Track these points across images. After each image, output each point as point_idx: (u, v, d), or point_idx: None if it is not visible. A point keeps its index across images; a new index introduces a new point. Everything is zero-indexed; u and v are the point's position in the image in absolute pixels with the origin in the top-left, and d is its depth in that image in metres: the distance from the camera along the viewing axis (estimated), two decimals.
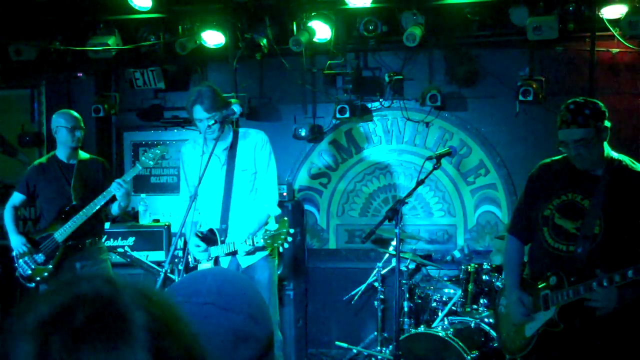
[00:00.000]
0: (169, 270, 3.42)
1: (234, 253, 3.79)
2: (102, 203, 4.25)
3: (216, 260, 3.87)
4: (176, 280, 3.81)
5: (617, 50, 5.30)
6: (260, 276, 3.87)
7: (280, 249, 3.64)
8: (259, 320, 1.10)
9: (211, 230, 3.87)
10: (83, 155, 4.54)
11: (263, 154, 3.91)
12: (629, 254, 2.70)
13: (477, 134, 5.78)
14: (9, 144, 6.45)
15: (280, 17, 5.41)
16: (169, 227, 5.64)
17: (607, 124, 2.83)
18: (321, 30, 5.26)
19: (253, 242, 3.64)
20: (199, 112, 3.72)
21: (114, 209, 4.44)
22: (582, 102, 2.86)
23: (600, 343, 2.82)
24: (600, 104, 2.88)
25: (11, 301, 5.74)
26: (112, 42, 5.37)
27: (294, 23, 5.30)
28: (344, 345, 5.17)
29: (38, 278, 4.30)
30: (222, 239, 3.83)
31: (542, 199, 3.00)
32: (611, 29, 4.90)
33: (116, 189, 4.17)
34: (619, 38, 4.97)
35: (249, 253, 3.72)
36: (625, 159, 2.91)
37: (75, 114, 4.48)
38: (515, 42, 5.43)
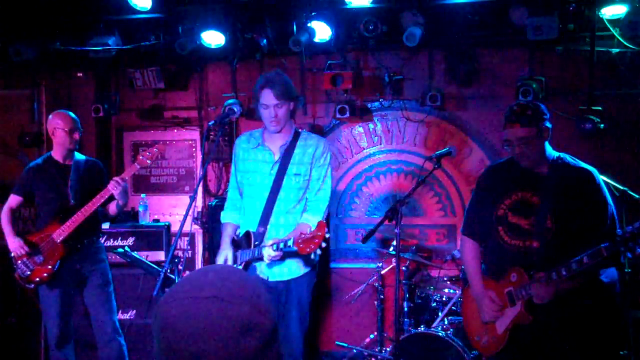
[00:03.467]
0: (169, 270, 3.42)
1: (260, 259, 3.44)
2: (100, 202, 4.22)
3: (246, 266, 3.55)
4: (176, 280, 3.79)
5: (617, 50, 5.29)
6: (296, 295, 3.56)
7: (312, 255, 3.29)
8: (262, 310, 1.11)
9: (247, 234, 3.56)
10: (79, 156, 4.52)
11: (323, 163, 3.59)
12: (582, 244, 2.87)
13: (477, 134, 5.78)
14: (8, 144, 6.45)
15: (280, 17, 5.41)
16: (169, 227, 5.64)
17: (548, 124, 3.05)
18: (321, 30, 5.25)
19: (280, 247, 3.28)
20: (267, 96, 3.44)
21: (112, 208, 4.43)
22: (525, 104, 3.13)
23: (567, 333, 2.98)
24: (542, 105, 3.10)
25: (11, 301, 5.74)
26: (112, 42, 5.37)
27: (294, 23, 5.30)
28: (344, 345, 5.17)
29: (37, 279, 4.28)
30: (257, 242, 3.49)
31: (493, 200, 3.18)
32: (611, 29, 4.90)
33: (114, 187, 4.14)
34: (619, 38, 4.97)
35: (273, 259, 3.35)
36: (566, 157, 3.13)
37: (73, 115, 4.46)
38: (515, 42, 5.43)
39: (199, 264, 6.11)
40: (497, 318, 3.12)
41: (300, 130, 3.69)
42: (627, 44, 5.07)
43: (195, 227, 5.94)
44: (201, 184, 5.84)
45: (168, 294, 1.14)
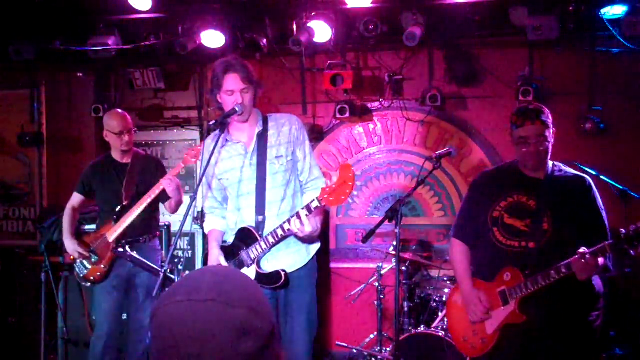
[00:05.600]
0: (168, 270, 3.41)
1: (278, 240, 3.21)
2: (148, 201, 4.19)
3: (259, 261, 3.31)
4: (176, 280, 3.78)
5: (617, 50, 5.30)
6: (298, 289, 3.36)
7: (350, 200, 3.09)
8: (260, 313, 1.10)
9: (243, 230, 3.34)
10: (138, 154, 4.50)
11: (303, 139, 3.40)
12: (577, 246, 2.91)
13: (477, 134, 5.78)
14: (8, 144, 6.45)
15: (280, 17, 5.41)
16: (169, 227, 5.64)
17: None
18: (321, 30, 5.25)
19: (309, 210, 3.04)
20: (233, 81, 3.21)
21: (170, 207, 4.39)
22: (539, 105, 3.17)
23: (557, 333, 3.00)
24: None
25: (11, 301, 5.75)
26: (112, 42, 5.37)
27: (294, 23, 5.30)
28: (344, 345, 5.17)
29: (92, 278, 4.32)
30: (260, 232, 3.28)
31: (488, 203, 3.21)
32: (611, 29, 4.90)
33: (168, 184, 4.12)
34: (619, 38, 4.97)
35: (305, 229, 3.09)
36: (560, 164, 3.22)
37: (123, 116, 4.42)
38: (515, 42, 5.43)
39: (199, 264, 6.11)
40: (484, 320, 3.14)
41: (267, 115, 3.46)
42: (627, 44, 5.07)
43: (195, 227, 5.93)
44: (201, 184, 5.83)
45: (165, 295, 1.13)
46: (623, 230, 2.79)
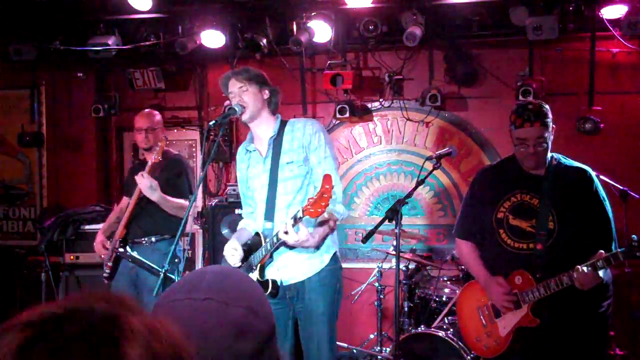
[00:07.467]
0: (169, 270, 3.41)
1: (277, 247, 3.13)
2: (136, 200, 4.21)
3: (262, 269, 3.24)
4: (176, 280, 3.77)
5: (617, 50, 5.30)
6: (321, 298, 3.24)
7: (325, 214, 2.93)
8: (259, 313, 1.10)
9: (255, 236, 3.31)
10: (165, 155, 4.36)
11: (318, 144, 3.26)
12: (584, 245, 2.91)
13: (477, 134, 5.78)
14: (8, 144, 6.45)
15: (280, 17, 5.41)
16: None
17: (553, 124, 3.08)
18: (321, 30, 5.26)
19: (294, 217, 2.90)
20: (231, 85, 3.31)
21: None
22: (539, 104, 3.09)
23: (570, 334, 2.99)
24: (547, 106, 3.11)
25: (11, 301, 5.75)
26: (112, 42, 5.37)
27: (294, 23, 5.30)
28: (344, 345, 5.17)
29: (105, 275, 4.41)
30: (267, 239, 3.21)
31: (491, 203, 3.16)
32: (611, 29, 4.90)
33: (139, 180, 4.10)
34: (619, 38, 4.97)
35: (297, 240, 2.96)
36: (559, 156, 3.15)
37: (143, 115, 4.48)
38: (515, 42, 5.43)
39: (199, 264, 6.11)
40: (511, 302, 3.06)
41: (287, 120, 3.42)
42: (627, 44, 5.07)
43: (195, 227, 5.93)
44: (201, 184, 5.84)
45: (165, 294, 1.13)
46: (635, 237, 2.75)
